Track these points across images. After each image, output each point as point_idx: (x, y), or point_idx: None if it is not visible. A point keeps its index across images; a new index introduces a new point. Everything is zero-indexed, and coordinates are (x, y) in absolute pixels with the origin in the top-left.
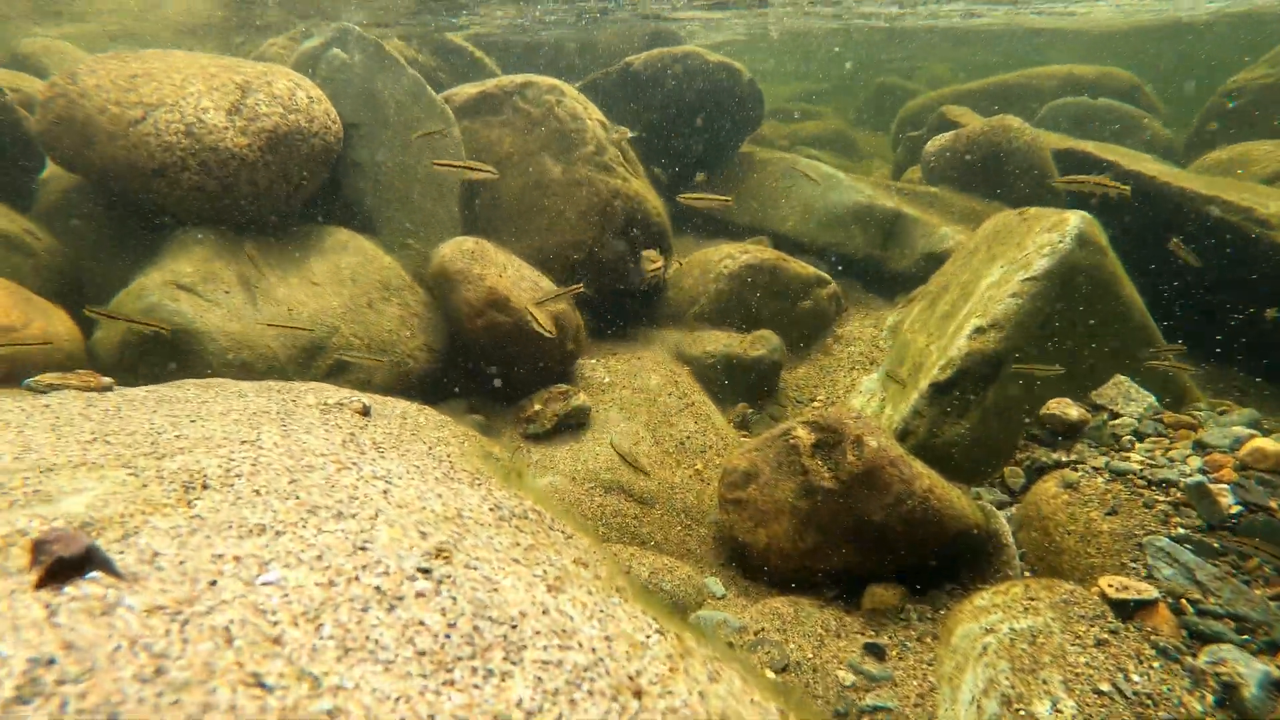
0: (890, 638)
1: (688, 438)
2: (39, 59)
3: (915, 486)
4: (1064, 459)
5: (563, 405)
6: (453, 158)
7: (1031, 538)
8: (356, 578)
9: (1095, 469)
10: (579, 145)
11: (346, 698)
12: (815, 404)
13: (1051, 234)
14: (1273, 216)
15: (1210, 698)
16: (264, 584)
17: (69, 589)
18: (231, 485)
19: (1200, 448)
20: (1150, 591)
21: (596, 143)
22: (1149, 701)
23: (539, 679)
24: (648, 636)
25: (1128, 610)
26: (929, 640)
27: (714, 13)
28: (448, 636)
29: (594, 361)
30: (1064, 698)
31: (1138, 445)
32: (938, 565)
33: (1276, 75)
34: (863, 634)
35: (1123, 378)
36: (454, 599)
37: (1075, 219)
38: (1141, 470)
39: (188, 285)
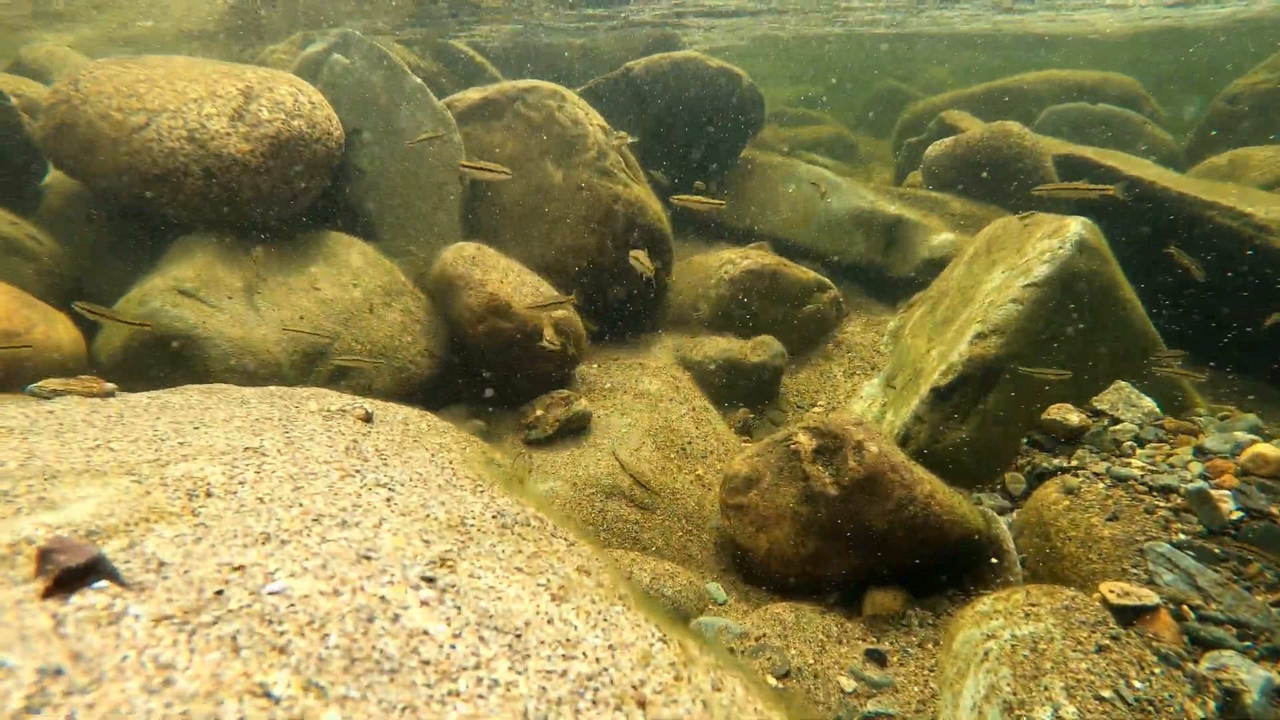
0: (891, 643)
1: (689, 443)
2: (42, 65)
3: (916, 492)
4: (1065, 465)
5: (564, 411)
6: (456, 163)
7: (1033, 543)
8: (361, 587)
9: (1096, 474)
10: (580, 151)
11: (353, 708)
12: (816, 409)
13: (1052, 240)
14: (1272, 222)
15: (1212, 704)
16: (270, 593)
17: (76, 598)
18: (235, 493)
19: (1201, 453)
20: (1151, 597)
21: (598, 148)
22: (1150, 708)
23: (543, 688)
24: (651, 645)
25: (1129, 616)
26: (930, 646)
27: (716, 19)
28: (452, 646)
29: (595, 367)
30: (1065, 704)
31: (1139, 451)
32: (939, 571)
33: (1276, 80)
34: (864, 640)
35: (1124, 383)
36: (458, 608)
37: (1076, 225)
38: (1142, 476)
39: (190, 291)
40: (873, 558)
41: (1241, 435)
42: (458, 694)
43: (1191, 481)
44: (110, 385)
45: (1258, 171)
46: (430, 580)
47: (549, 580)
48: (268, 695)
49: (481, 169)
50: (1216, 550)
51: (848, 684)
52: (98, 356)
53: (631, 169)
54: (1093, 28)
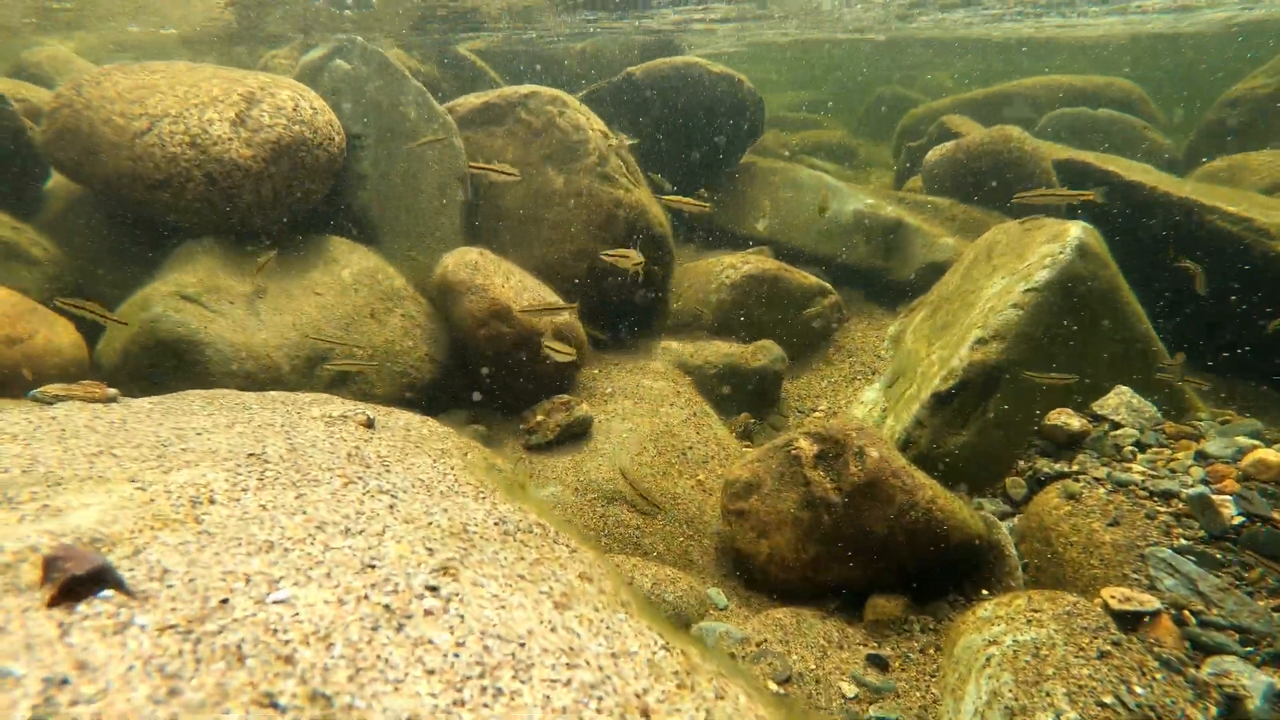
0: (893, 649)
1: (690, 448)
2: (44, 69)
3: (918, 497)
4: (1066, 470)
5: (565, 416)
6: (457, 168)
7: (1034, 548)
8: (366, 596)
9: (1097, 480)
10: (581, 156)
11: (359, 718)
12: (817, 414)
13: (1052, 245)
14: (1272, 226)
15: (1214, 710)
16: (275, 602)
17: (81, 607)
18: (238, 500)
19: (1202, 458)
20: (1153, 603)
21: (598, 153)
22: (1152, 714)
23: (547, 697)
24: (654, 653)
25: (1130, 621)
26: (932, 652)
27: (717, 25)
28: (456, 655)
29: (596, 371)
30: (1068, 710)
31: (1139, 456)
32: (940, 576)
33: (1275, 85)
34: (865, 645)
35: (1124, 388)
36: (462, 617)
37: (1076, 230)
38: (1143, 481)
39: (192, 296)
40: (874, 563)
41: (1243, 440)
42: (463, 704)
43: (1193, 486)
44: (112, 390)
45: (1257, 176)
46: (434, 589)
47: (552, 588)
48: (274, 705)
49: (490, 170)
50: (1218, 555)
51: (849, 689)
52: (99, 361)
53: (632, 173)
54: (1096, 32)
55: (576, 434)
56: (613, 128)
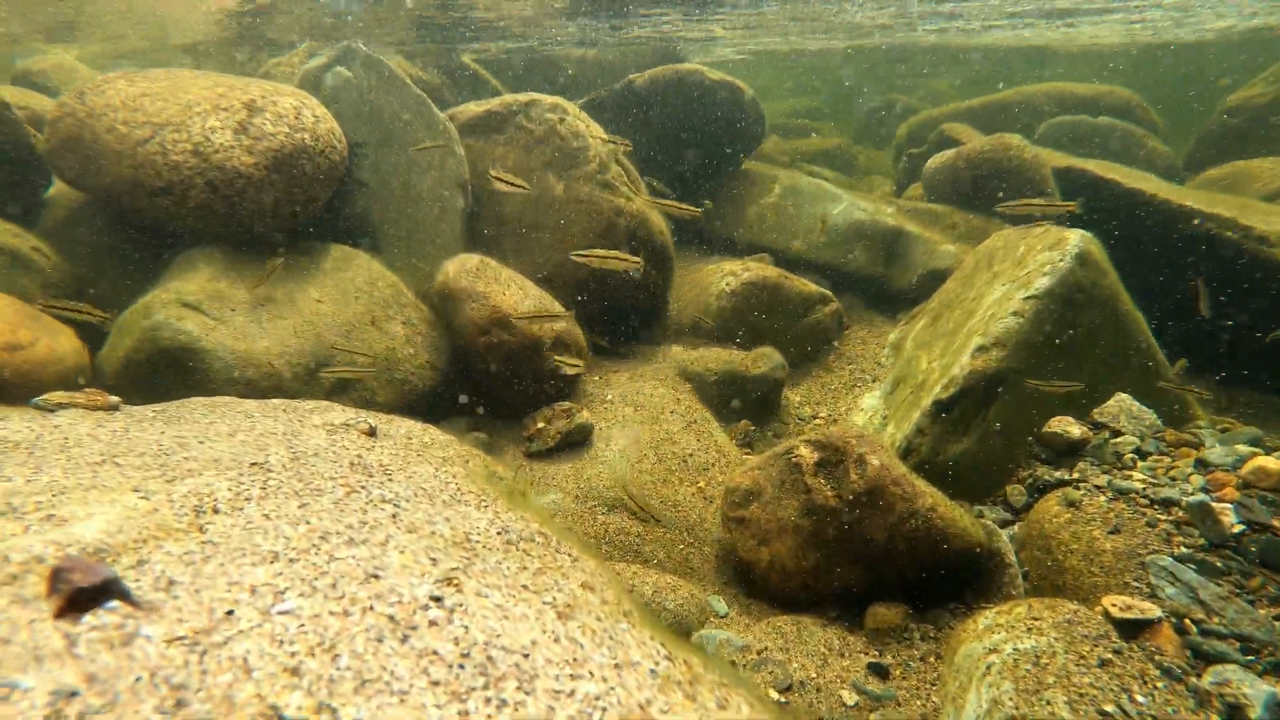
0: (893, 657)
1: (690, 455)
2: (46, 77)
3: (918, 505)
4: (1066, 477)
5: (566, 423)
6: (458, 176)
7: (1034, 556)
8: (371, 607)
9: (1097, 487)
10: (582, 164)
11: None
12: (818, 421)
13: (1052, 252)
14: (1272, 234)
15: (1216, 719)
16: (280, 613)
17: (88, 618)
18: (242, 509)
19: (1202, 466)
20: (1154, 611)
21: (599, 161)
22: None
23: (551, 708)
24: (657, 664)
25: (1131, 630)
26: (932, 660)
27: (718, 30)
28: (461, 666)
29: (597, 379)
30: (1069, 718)
31: (1140, 464)
32: (941, 584)
33: (1274, 93)
34: (866, 653)
35: (1124, 396)
36: (466, 628)
37: (1075, 237)
38: (1144, 489)
39: (193, 303)
40: (874, 571)
41: (1243, 448)
42: (467, 714)
43: (1193, 494)
44: (115, 398)
45: (1259, 183)
46: (438, 600)
47: (555, 598)
48: (280, 717)
49: (503, 180)
50: (1218, 563)
51: (850, 698)
52: (101, 369)
53: (633, 182)
54: (1095, 40)
55: (577, 441)
56: (612, 134)
